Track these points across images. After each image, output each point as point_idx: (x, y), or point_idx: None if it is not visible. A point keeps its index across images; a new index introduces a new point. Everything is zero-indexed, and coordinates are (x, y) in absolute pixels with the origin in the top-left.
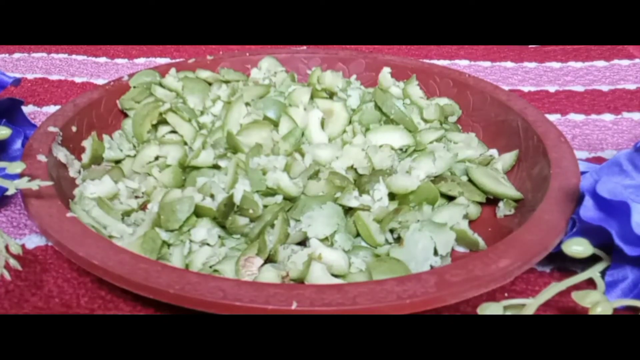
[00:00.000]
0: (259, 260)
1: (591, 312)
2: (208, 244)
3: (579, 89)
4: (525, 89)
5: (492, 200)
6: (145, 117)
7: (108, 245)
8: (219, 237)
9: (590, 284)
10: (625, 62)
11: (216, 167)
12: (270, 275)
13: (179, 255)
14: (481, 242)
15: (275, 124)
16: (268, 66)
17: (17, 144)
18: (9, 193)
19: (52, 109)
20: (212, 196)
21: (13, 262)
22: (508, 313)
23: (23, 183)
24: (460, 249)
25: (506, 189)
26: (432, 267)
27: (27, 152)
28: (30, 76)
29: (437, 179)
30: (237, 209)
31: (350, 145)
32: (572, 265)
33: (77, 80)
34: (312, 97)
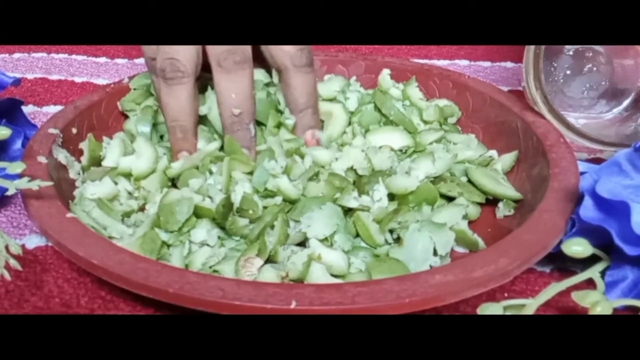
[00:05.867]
0: (259, 261)
1: (591, 312)
2: (207, 245)
3: None
4: None
5: (491, 201)
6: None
7: (108, 245)
8: (219, 237)
9: (590, 284)
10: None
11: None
12: (269, 275)
13: (178, 255)
14: (481, 243)
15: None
16: None
17: (17, 144)
18: (9, 193)
19: (52, 109)
20: (209, 197)
21: (13, 262)
22: (508, 313)
23: (23, 183)
24: (460, 250)
25: (506, 189)
26: (431, 267)
27: (28, 154)
28: (30, 76)
29: (436, 179)
30: (236, 210)
31: (350, 146)
32: (572, 265)
33: (77, 80)
34: None
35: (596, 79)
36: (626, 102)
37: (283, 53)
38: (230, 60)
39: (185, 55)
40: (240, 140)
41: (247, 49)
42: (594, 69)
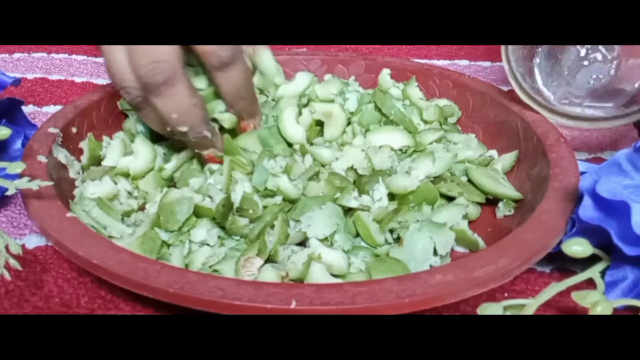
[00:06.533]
0: (259, 261)
1: (591, 312)
2: (208, 244)
3: None
4: None
5: (491, 201)
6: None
7: (108, 245)
8: (219, 237)
9: (590, 284)
10: None
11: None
12: (270, 275)
13: (178, 255)
14: (481, 242)
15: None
16: None
17: (17, 144)
18: (9, 193)
19: (52, 109)
20: (209, 197)
21: (13, 262)
22: (508, 313)
23: (23, 183)
24: (460, 250)
25: (506, 189)
26: (431, 267)
27: (28, 153)
28: (30, 76)
29: (436, 179)
30: (236, 209)
31: (350, 146)
32: (572, 265)
33: (77, 80)
34: (308, 102)
35: (601, 71)
36: (629, 96)
37: (203, 53)
38: (154, 82)
39: (168, 55)
40: (200, 147)
41: (170, 60)
42: (599, 60)
